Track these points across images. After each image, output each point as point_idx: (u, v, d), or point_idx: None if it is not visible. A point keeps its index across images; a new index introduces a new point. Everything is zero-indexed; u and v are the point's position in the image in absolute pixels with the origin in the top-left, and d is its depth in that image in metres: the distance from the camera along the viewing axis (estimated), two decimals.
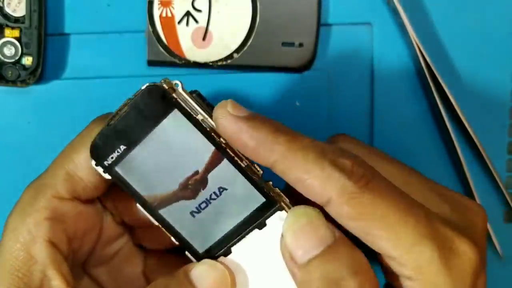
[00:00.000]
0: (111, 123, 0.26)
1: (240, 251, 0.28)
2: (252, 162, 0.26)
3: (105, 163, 0.26)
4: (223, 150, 0.26)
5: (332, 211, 0.25)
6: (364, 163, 0.25)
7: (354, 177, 0.24)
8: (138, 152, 0.26)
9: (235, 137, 0.25)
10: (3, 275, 0.27)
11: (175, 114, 0.25)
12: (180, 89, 0.26)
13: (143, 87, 0.25)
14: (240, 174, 0.26)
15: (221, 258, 0.28)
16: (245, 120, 0.25)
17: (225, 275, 0.27)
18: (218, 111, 0.25)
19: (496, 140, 0.37)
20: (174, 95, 0.25)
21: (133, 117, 0.26)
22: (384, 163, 0.29)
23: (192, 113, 0.25)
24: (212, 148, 0.26)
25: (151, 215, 0.28)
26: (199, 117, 0.26)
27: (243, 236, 0.27)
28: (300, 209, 0.26)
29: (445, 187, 0.29)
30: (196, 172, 0.26)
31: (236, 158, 0.26)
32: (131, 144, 0.26)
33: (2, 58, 0.34)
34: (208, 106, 0.26)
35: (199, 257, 0.28)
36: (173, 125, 0.26)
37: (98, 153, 0.26)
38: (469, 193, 0.36)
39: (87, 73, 0.35)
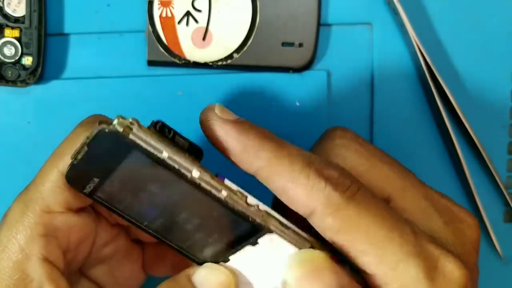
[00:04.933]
0: (77, 158, 0.24)
1: (237, 260, 0.27)
2: (231, 190, 0.25)
3: (84, 191, 0.26)
4: (196, 186, 0.24)
5: (316, 223, 0.24)
6: (350, 175, 0.25)
7: (340, 188, 0.24)
8: (112, 184, 0.25)
9: (221, 141, 0.24)
10: None
11: (136, 154, 0.24)
12: (135, 129, 0.23)
13: (94, 131, 0.23)
14: (220, 205, 0.25)
15: (221, 264, 0.28)
16: (232, 124, 0.24)
17: (228, 278, 0.27)
18: (205, 113, 0.25)
19: (497, 140, 0.37)
20: (130, 136, 0.23)
21: (94, 157, 0.24)
22: (381, 164, 0.28)
23: (154, 152, 0.23)
24: (185, 184, 0.24)
25: (143, 230, 0.27)
26: (164, 155, 0.24)
27: (239, 249, 0.27)
28: (306, 253, 0.25)
29: (440, 194, 0.28)
30: (176, 202, 0.25)
31: (213, 192, 0.24)
32: (102, 177, 0.25)
33: (2, 58, 0.34)
34: (175, 137, 0.25)
35: (199, 263, 0.28)
36: (137, 163, 0.24)
37: (74, 184, 0.25)
38: (469, 193, 0.36)
39: (87, 73, 0.35)
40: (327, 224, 0.24)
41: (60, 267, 0.27)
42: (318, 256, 0.25)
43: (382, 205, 0.25)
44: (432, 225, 0.27)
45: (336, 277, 0.24)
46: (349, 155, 0.28)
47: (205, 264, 0.27)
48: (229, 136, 0.24)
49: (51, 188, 0.26)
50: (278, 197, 0.25)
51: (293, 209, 0.25)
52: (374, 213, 0.24)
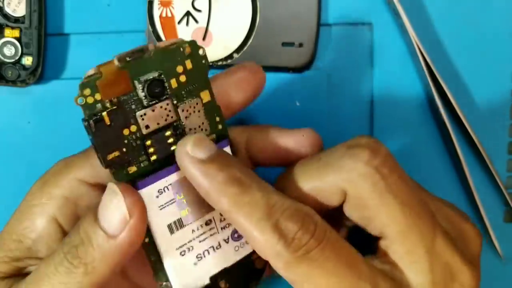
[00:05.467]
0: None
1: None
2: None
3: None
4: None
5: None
6: (315, 226, 0.24)
7: (293, 246, 0.24)
8: None
9: (189, 179, 0.25)
10: (4, 234, 0.28)
11: None
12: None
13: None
14: None
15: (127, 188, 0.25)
16: (200, 165, 0.25)
17: (124, 212, 0.24)
18: (177, 149, 0.25)
19: (497, 140, 0.37)
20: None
21: None
22: (393, 203, 0.26)
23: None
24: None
25: None
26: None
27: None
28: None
29: (450, 247, 0.27)
30: None
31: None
32: None
33: (2, 58, 0.34)
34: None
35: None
36: None
37: None
38: (469, 193, 0.36)
39: None
40: (281, 274, 0.25)
41: (66, 231, 0.28)
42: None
43: (344, 262, 0.25)
44: (416, 279, 0.26)
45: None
46: (363, 186, 0.26)
47: (108, 187, 0.25)
48: (194, 178, 0.25)
49: (95, 163, 0.27)
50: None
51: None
52: (329, 272, 0.24)
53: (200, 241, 0.27)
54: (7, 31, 0.34)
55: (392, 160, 0.26)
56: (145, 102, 0.25)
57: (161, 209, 0.26)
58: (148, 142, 0.25)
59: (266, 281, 0.30)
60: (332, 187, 0.26)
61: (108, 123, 0.24)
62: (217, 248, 0.27)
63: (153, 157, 0.26)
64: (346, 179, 0.26)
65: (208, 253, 0.27)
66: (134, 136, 0.25)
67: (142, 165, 0.26)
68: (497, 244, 0.37)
